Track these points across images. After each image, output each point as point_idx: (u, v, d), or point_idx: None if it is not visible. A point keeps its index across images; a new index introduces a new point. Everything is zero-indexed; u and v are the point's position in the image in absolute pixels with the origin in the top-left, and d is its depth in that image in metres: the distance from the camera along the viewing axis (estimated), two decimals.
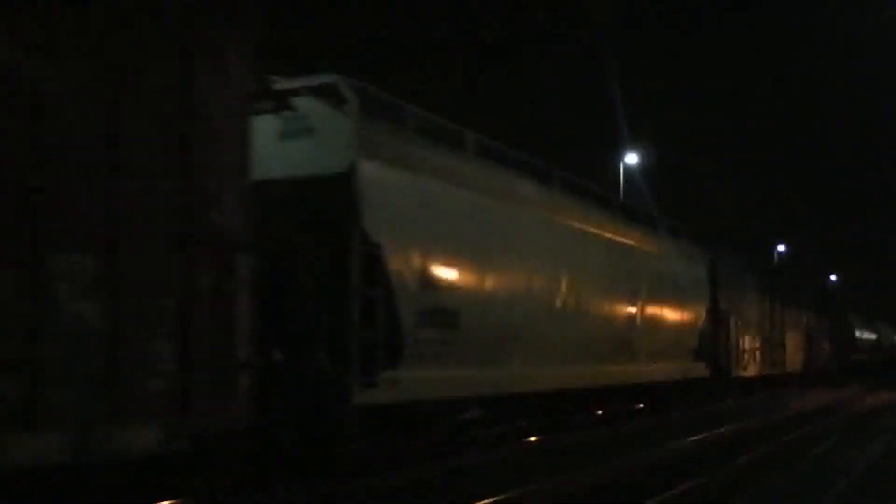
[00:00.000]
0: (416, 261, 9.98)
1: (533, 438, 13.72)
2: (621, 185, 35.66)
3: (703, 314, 21.39)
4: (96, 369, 6.34)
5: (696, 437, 15.64)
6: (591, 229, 15.21)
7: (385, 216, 9.42)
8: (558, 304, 13.58)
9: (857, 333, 53.60)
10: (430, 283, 10.20)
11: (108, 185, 6.50)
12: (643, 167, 37.16)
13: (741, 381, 25.29)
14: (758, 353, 27.23)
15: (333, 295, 8.89)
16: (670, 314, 19.12)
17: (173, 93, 7.10)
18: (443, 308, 10.37)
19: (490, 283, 11.57)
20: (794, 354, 33.84)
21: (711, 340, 21.86)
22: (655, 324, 17.94)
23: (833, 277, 79.74)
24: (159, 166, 6.92)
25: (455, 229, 10.87)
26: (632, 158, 36.49)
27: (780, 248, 63.46)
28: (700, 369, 21.12)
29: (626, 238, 16.89)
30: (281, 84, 9.17)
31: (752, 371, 26.61)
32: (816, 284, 53.90)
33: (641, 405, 18.99)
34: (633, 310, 16.80)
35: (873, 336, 61.49)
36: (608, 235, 15.96)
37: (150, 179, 6.82)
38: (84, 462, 6.30)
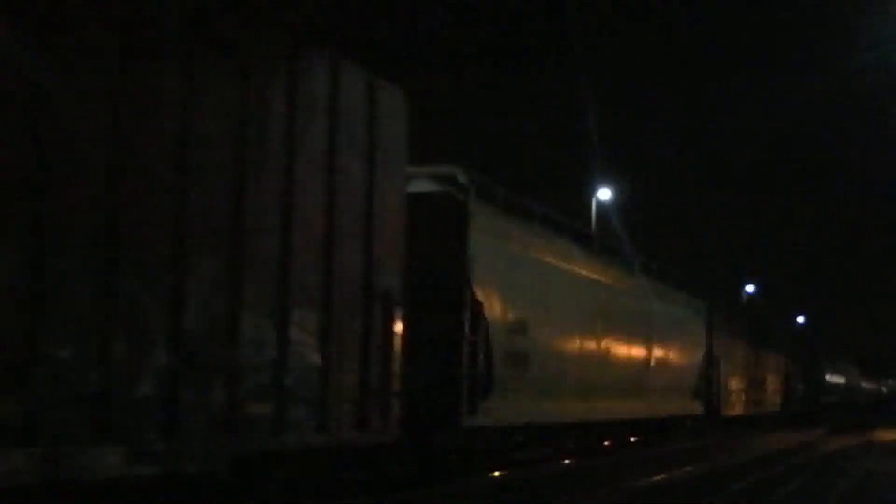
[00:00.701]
0: (504, 313, 12.43)
1: (567, 461, 16.14)
2: (593, 220, 33.45)
3: (701, 357, 23.94)
4: (315, 394, 8.71)
5: (688, 469, 18.02)
6: (620, 286, 17.75)
7: (486, 278, 11.86)
8: (594, 347, 16.07)
9: (828, 377, 56.41)
10: (512, 331, 12.66)
11: (326, 259, 8.90)
12: (616, 203, 33.84)
13: (728, 418, 27.84)
14: (743, 393, 29.83)
15: (449, 341, 11.29)
16: (676, 357, 21.66)
17: (363, 189, 9.52)
18: (519, 351, 12.83)
19: (549, 330, 14.04)
20: (772, 395, 36.47)
21: (707, 381, 24.41)
22: (664, 366, 20.45)
23: (800, 319, 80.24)
24: (356, 243, 9.33)
25: (528, 286, 13.33)
26: (605, 194, 33.28)
27: (749, 287, 64.07)
28: (697, 407, 23.67)
29: (645, 291, 19.42)
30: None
31: (738, 410, 29.19)
32: (792, 330, 56.54)
33: (634, 438, 21.38)
34: (647, 353, 19.31)
35: (842, 380, 64.39)
36: (632, 290, 18.50)
37: (350, 253, 9.22)
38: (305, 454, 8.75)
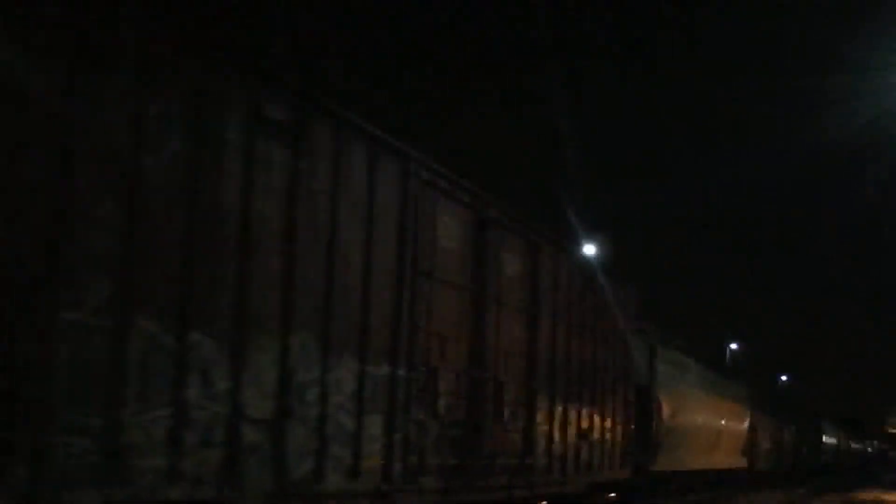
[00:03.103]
0: (669, 403, 21.33)
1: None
2: None
3: (746, 423, 32.94)
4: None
5: None
6: (720, 382, 27.02)
7: (662, 385, 20.77)
8: (710, 423, 25.11)
9: (825, 439, 65.05)
10: (670, 416, 21.56)
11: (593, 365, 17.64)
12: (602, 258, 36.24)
13: (760, 473, 36.72)
14: (769, 452, 38.74)
15: (641, 421, 20.09)
16: (731, 425, 30.65)
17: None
18: (673, 428, 21.72)
19: (687, 415, 23.02)
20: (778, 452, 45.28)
21: (750, 442, 33.39)
22: (726, 432, 29.45)
23: (783, 378, 79.87)
24: (617, 350, 18.09)
25: (678, 390, 22.27)
26: (589, 249, 35.58)
27: (733, 345, 64.42)
28: (743, 462, 32.63)
29: (725, 384, 28.65)
30: None
31: (763, 465, 38.03)
32: (797, 396, 64.58)
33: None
34: (717, 423, 28.31)
35: (835, 441, 73.00)
36: (722, 384, 27.72)
37: (614, 354, 17.99)
38: None
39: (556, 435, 14.01)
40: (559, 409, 14.13)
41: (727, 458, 29.47)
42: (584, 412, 15.25)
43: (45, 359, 6.01)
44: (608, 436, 16.58)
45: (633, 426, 18.01)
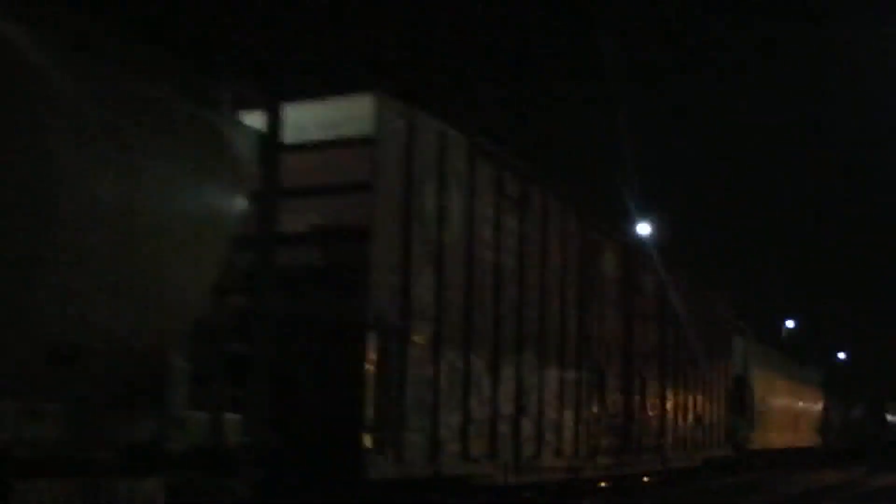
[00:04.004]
0: (760, 390, 24.16)
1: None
2: None
3: (821, 404, 35.62)
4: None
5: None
6: (801, 369, 29.74)
7: (754, 374, 23.60)
8: (792, 405, 27.96)
9: (889, 418, 67.11)
10: (760, 401, 24.36)
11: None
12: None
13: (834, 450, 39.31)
14: (840, 431, 41.35)
15: (738, 406, 22.86)
16: (809, 407, 33.36)
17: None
18: (761, 410, 24.53)
19: (773, 399, 25.81)
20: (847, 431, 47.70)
21: (825, 422, 36.07)
22: (805, 413, 32.19)
23: (841, 356, 79.00)
24: (721, 347, 20.90)
25: (765, 379, 25.06)
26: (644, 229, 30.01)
27: (790, 323, 61.62)
28: (818, 440, 35.30)
29: (799, 369, 31.34)
30: None
31: (835, 443, 40.60)
32: (860, 376, 66.27)
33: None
34: (797, 405, 31.04)
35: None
36: (794, 369, 30.43)
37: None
38: None
39: (679, 420, 17.02)
40: (681, 399, 17.11)
41: (806, 437, 32.23)
42: (699, 400, 18.21)
43: (401, 380, 9.01)
44: (715, 420, 19.56)
45: (732, 411, 21.00)
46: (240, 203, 6.91)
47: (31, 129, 5.36)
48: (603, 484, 14.76)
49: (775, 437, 26.64)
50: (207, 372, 6.77)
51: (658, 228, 26.13)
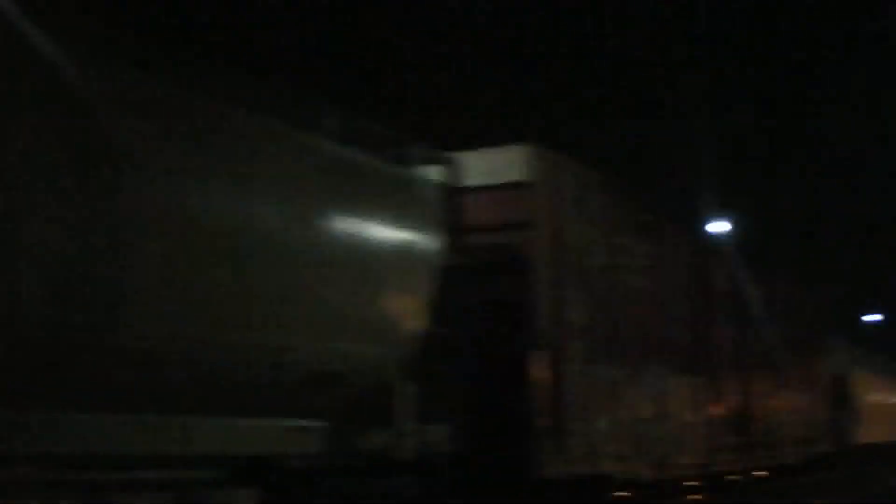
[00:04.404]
0: (859, 388, 25.06)
1: None
2: None
3: None
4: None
5: None
6: (883, 361, 30.56)
7: (854, 372, 24.53)
8: (882, 400, 28.72)
9: None
10: (861, 396, 25.26)
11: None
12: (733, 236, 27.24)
13: None
14: None
15: (840, 404, 23.76)
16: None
17: None
18: (863, 406, 25.44)
19: (872, 393, 26.69)
20: None
21: None
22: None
23: None
24: (821, 347, 21.88)
25: (865, 374, 25.97)
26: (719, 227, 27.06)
27: (874, 317, 59.56)
28: None
29: (891, 367, 32.13)
30: None
31: None
32: None
33: None
34: (893, 401, 31.77)
35: None
36: (886, 367, 31.21)
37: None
38: None
39: (785, 418, 18.17)
40: (787, 398, 18.28)
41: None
42: (803, 398, 19.36)
43: (562, 391, 10.39)
44: (818, 416, 20.63)
45: (834, 407, 22.05)
46: (435, 242, 8.53)
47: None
48: (729, 478, 16.00)
49: (876, 432, 27.47)
50: (423, 391, 8.24)
51: (736, 224, 25.95)
